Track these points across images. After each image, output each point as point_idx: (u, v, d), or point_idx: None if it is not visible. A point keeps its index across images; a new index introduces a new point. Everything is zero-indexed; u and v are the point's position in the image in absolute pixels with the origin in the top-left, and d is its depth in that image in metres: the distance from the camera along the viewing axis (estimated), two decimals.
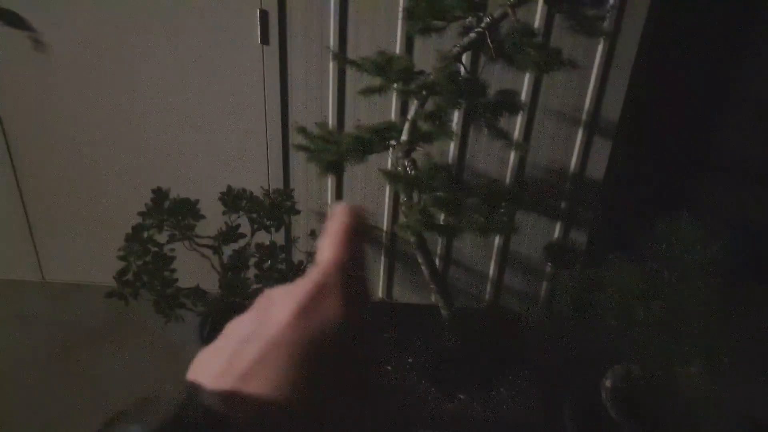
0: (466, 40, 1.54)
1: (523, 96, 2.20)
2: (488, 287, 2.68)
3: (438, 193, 1.53)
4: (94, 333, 2.41)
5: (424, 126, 1.64)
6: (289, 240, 2.54)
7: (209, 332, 1.97)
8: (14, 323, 2.45)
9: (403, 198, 1.74)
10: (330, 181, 2.42)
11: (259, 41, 2.12)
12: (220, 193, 1.92)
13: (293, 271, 1.84)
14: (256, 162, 2.38)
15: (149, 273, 1.71)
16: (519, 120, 2.25)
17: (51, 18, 2.12)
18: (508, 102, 1.50)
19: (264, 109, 2.27)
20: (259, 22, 2.08)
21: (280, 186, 2.40)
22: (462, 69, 1.59)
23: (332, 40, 2.11)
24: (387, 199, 2.43)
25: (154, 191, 1.87)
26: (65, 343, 2.36)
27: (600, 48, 2.10)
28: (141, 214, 1.86)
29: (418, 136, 1.67)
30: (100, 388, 2.19)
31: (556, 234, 2.51)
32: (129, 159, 2.40)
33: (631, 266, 1.36)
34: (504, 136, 1.48)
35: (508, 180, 2.38)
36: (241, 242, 2.00)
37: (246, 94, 2.24)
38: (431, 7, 1.55)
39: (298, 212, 2.23)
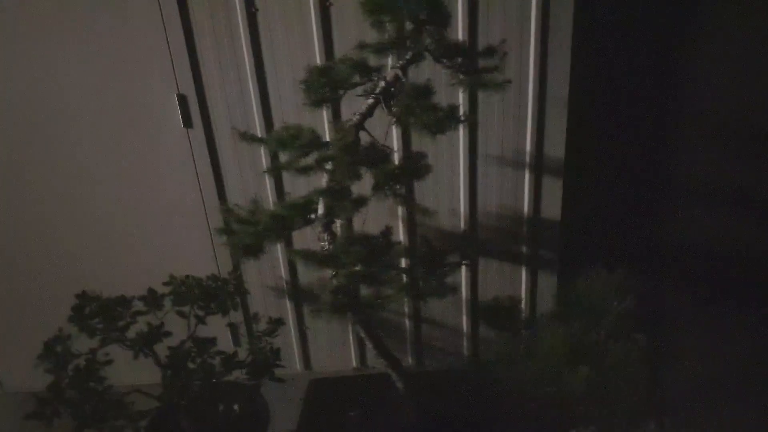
0: (364, 106, 1.47)
1: (461, 144, 2.12)
2: (464, 342, 2.54)
3: (356, 268, 1.43)
4: None
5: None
6: (249, 321, 2.45)
7: None
8: None
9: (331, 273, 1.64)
10: (280, 253, 2.33)
11: (182, 125, 2.08)
12: (148, 290, 1.84)
13: (227, 365, 1.73)
14: (202, 248, 2.30)
15: (73, 387, 1.61)
16: (462, 169, 2.16)
17: None
18: (412, 167, 1.42)
19: (200, 192, 2.21)
20: (179, 107, 2.05)
21: (230, 266, 2.32)
22: (366, 135, 1.51)
23: (257, 117, 2.07)
24: None
25: (78, 296, 1.79)
26: None
27: (531, 87, 2.02)
28: (69, 320, 1.78)
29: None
30: None
31: (524, 280, 2.38)
32: (66, 257, 2.34)
33: (557, 328, 1.23)
34: (408, 203, 1.39)
35: (462, 228, 2.28)
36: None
37: (179, 178, 2.19)
38: (326, 78, 1.50)
39: (246, 293, 2.15)
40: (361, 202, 1.49)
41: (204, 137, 2.11)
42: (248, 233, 1.63)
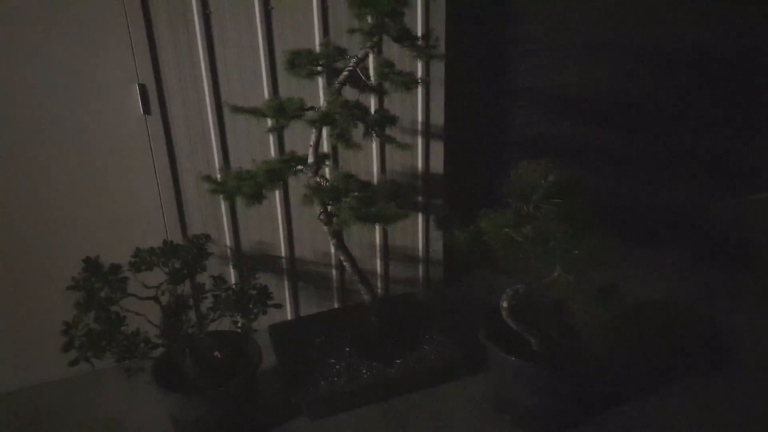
0: (341, 77, 2.02)
1: None
2: (378, 282, 3.14)
3: (355, 194, 1.95)
4: None
5: (325, 148, 2.06)
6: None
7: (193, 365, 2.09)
8: None
9: (319, 210, 2.13)
10: (225, 223, 2.67)
11: (142, 112, 2.33)
12: (163, 243, 2.10)
13: (244, 295, 2.09)
14: (153, 218, 2.53)
15: (107, 334, 1.83)
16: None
17: None
18: (387, 117, 2.01)
19: (154, 170, 2.46)
20: (139, 96, 2.30)
21: (178, 236, 2.58)
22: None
23: (207, 99, 2.42)
24: (281, 227, 2.77)
25: (84, 261, 1.97)
26: None
27: (419, 71, 2.74)
28: (71, 286, 1.94)
29: (320, 157, 2.09)
30: None
31: (420, 223, 3.08)
32: (23, 240, 2.38)
33: (498, 211, 1.93)
34: (392, 141, 1.98)
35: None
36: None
37: (135, 159, 2.41)
38: (309, 58, 2.01)
39: (211, 254, 2.46)
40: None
41: (161, 122, 2.39)
42: (249, 185, 2.04)
